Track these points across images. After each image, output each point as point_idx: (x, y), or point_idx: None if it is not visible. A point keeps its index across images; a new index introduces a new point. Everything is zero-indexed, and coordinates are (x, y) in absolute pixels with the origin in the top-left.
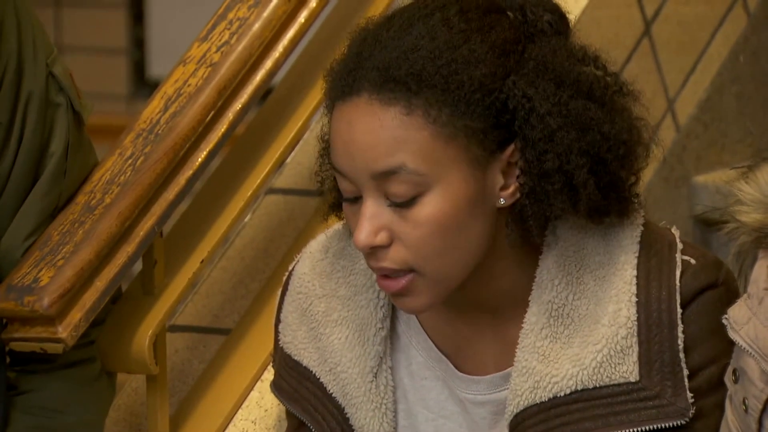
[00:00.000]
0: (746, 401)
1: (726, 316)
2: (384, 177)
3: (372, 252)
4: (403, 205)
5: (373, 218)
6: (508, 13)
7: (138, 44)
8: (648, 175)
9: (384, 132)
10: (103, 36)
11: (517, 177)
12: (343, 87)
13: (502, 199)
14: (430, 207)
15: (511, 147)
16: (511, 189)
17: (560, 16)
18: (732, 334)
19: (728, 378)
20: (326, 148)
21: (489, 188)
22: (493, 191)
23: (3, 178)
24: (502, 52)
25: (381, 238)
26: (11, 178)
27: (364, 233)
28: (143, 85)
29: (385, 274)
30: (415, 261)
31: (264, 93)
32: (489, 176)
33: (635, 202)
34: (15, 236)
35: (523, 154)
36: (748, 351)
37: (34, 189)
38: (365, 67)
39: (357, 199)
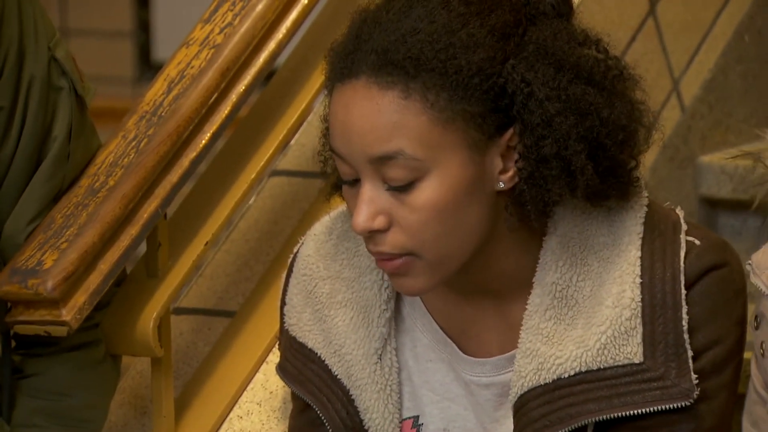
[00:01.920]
0: (763, 345)
1: (749, 261)
2: (381, 162)
3: (370, 236)
4: (401, 189)
5: (371, 202)
6: None
7: (143, 27)
8: (653, 155)
9: (381, 117)
10: (108, 19)
11: (516, 161)
12: (342, 69)
13: (501, 183)
14: (428, 192)
15: (510, 131)
16: (510, 173)
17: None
18: (754, 279)
19: (750, 324)
20: (328, 128)
21: (488, 172)
22: (491, 175)
23: (6, 162)
24: (501, 36)
25: (379, 222)
26: (14, 162)
27: (362, 217)
28: (149, 68)
29: (383, 258)
30: (413, 245)
31: (267, 74)
32: (487, 160)
33: (635, 186)
34: (18, 220)
35: (522, 138)
36: None
37: (37, 173)
38: (364, 50)
39: (356, 182)
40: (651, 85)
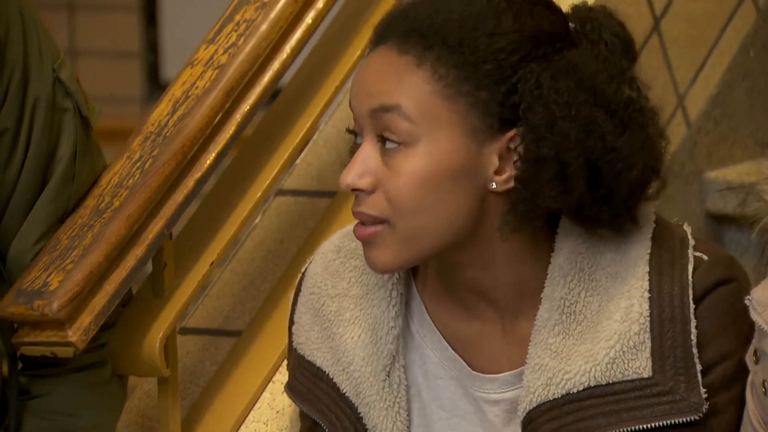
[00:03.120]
0: (765, 383)
1: (749, 297)
2: (379, 115)
3: (357, 196)
4: (392, 154)
5: (363, 162)
6: (566, 19)
7: (151, 47)
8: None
9: (391, 74)
10: (116, 39)
11: (514, 163)
12: (376, 37)
13: (494, 183)
14: (413, 159)
15: (513, 131)
16: (505, 175)
17: (624, 42)
18: (754, 316)
19: (749, 359)
20: None
21: (481, 166)
22: (485, 170)
23: (11, 183)
24: (530, 38)
25: (364, 182)
26: (19, 183)
27: (351, 174)
28: (157, 87)
29: (361, 221)
30: (389, 212)
31: (272, 94)
32: (484, 153)
33: (632, 221)
34: (24, 241)
35: (524, 140)
36: None
37: (42, 194)
38: (399, 19)
39: (359, 146)
40: (655, 101)
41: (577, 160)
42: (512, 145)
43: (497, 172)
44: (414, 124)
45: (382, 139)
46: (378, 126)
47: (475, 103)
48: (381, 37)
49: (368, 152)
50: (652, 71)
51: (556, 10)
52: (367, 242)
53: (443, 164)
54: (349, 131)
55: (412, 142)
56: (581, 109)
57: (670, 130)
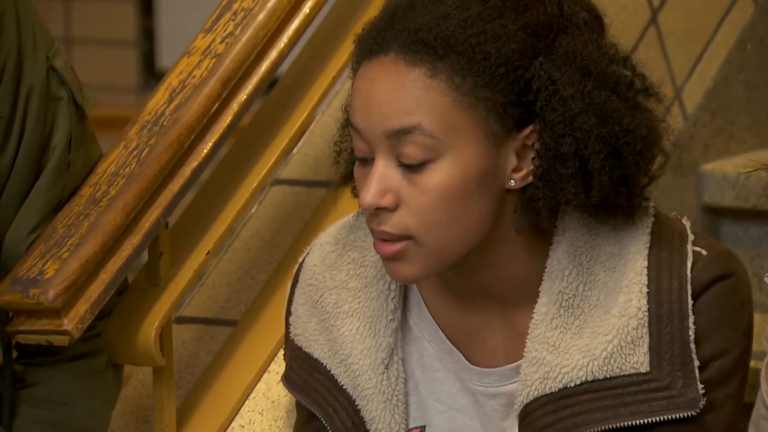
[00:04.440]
0: None
1: (767, 276)
2: (398, 136)
3: (375, 214)
4: (413, 169)
5: (381, 179)
6: (546, 5)
7: (148, 36)
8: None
9: (405, 90)
10: (112, 28)
11: (532, 159)
12: (372, 46)
13: (512, 181)
14: (439, 174)
15: (529, 128)
16: (523, 172)
17: (596, 16)
18: None
19: (765, 338)
20: (348, 119)
21: (501, 167)
22: (504, 171)
23: (5, 172)
24: (533, 33)
25: (387, 200)
26: (13, 172)
27: (371, 193)
28: (153, 76)
29: (383, 239)
30: (416, 228)
31: (269, 84)
32: (503, 154)
33: (644, 205)
34: (19, 230)
35: (541, 136)
36: None
37: (37, 183)
38: (396, 29)
39: (369, 162)
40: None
41: (598, 154)
42: (528, 142)
43: (515, 170)
44: (436, 139)
45: (400, 157)
46: (396, 146)
47: (493, 108)
48: (378, 47)
49: (385, 169)
50: (650, 63)
51: None
52: (392, 258)
53: (468, 173)
54: (358, 158)
55: (436, 157)
56: (594, 97)
57: (667, 123)
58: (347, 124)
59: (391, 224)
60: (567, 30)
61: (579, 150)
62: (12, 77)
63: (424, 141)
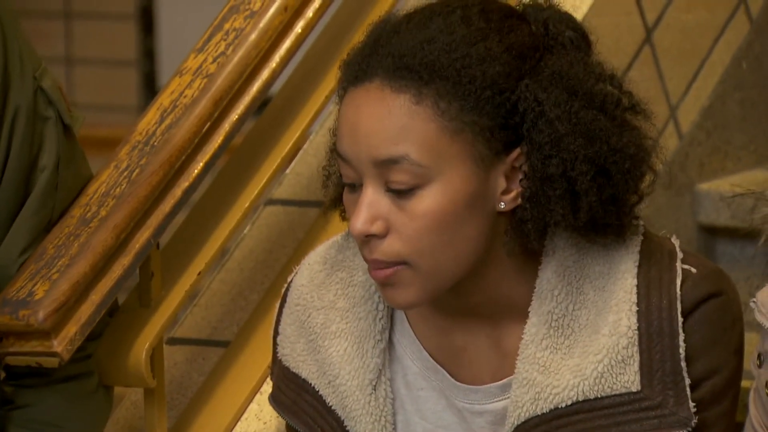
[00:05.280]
0: None
1: (754, 299)
2: (386, 165)
3: (366, 241)
4: (402, 195)
5: (371, 206)
6: (531, 25)
7: (148, 55)
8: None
9: (391, 119)
10: (113, 48)
11: (520, 181)
12: (357, 72)
13: (502, 203)
14: (429, 200)
15: (517, 150)
16: (513, 194)
17: (582, 34)
18: (759, 317)
19: (753, 363)
20: (336, 144)
21: (490, 190)
22: (494, 194)
23: None
24: (518, 55)
25: (377, 227)
26: (0, 193)
27: (361, 220)
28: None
29: (377, 267)
30: (409, 254)
31: (261, 104)
32: (491, 177)
33: (633, 224)
34: (9, 252)
35: (529, 158)
36: None
37: (26, 204)
38: (380, 54)
39: (357, 187)
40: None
41: (585, 175)
42: (517, 164)
43: (504, 192)
44: (424, 167)
45: (389, 183)
46: (385, 173)
47: (480, 131)
48: (363, 73)
49: (374, 196)
50: (644, 82)
51: (525, 18)
52: (387, 283)
53: (457, 198)
54: (347, 184)
55: (425, 183)
56: (581, 117)
57: (661, 142)
58: (335, 148)
59: (383, 252)
60: (553, 50)
61: (566, 171)
62: None
63: (412, 169)
